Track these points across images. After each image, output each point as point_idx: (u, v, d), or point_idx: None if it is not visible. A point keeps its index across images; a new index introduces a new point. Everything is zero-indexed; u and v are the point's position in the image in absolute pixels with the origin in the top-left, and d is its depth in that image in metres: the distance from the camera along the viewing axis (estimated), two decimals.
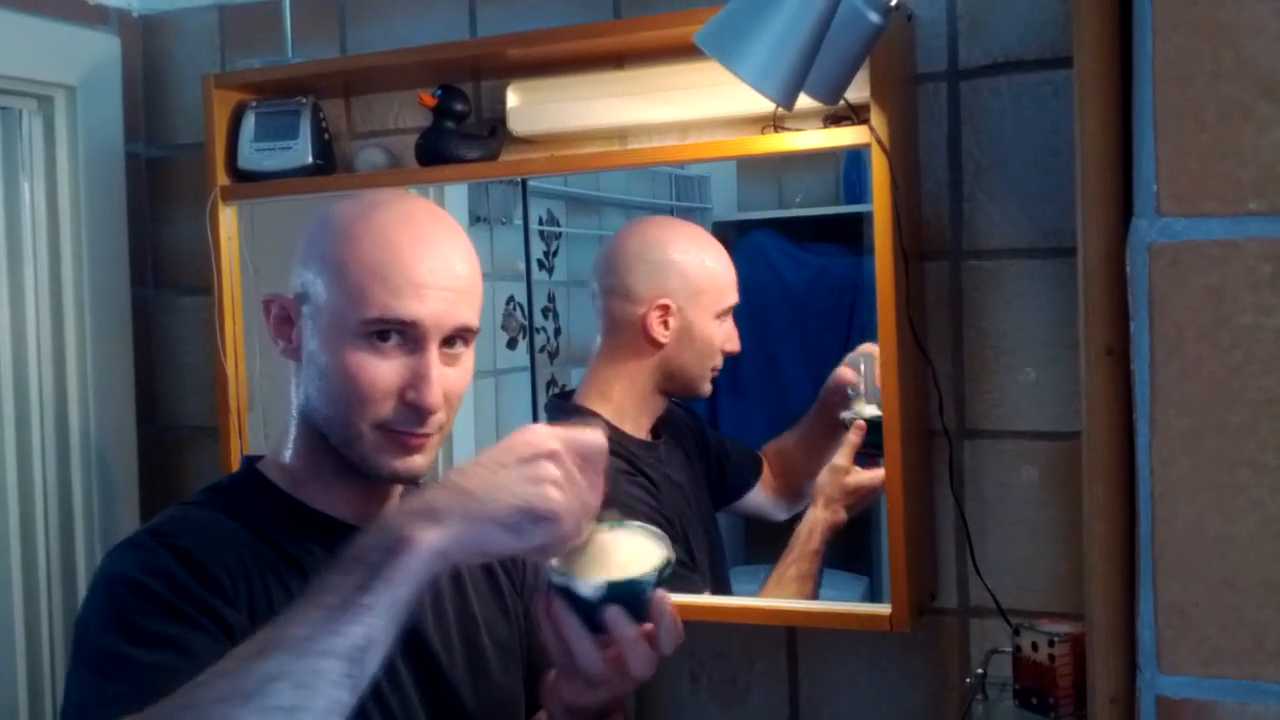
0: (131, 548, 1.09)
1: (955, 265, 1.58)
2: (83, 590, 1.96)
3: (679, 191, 1.86)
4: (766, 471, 1.77)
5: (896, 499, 1.47)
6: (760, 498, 1.77)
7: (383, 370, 1.11)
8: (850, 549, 1.75)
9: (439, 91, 1.73)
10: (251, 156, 1.83)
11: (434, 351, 1.12)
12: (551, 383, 1.90)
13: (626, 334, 1.70)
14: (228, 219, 1.85)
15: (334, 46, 1.94)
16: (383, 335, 1.11)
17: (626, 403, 1.71)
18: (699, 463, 1.78)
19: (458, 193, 1.85)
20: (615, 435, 1.63)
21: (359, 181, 1.80)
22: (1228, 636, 0.61)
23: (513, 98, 1.74)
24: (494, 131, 1.75)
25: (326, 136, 1.84)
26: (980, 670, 1.49)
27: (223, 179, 1.84)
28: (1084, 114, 0.66)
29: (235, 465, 1.84)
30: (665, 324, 1.68)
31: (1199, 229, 0.61)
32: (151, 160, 2.10)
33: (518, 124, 1.74)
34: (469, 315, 1.15)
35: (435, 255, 1.13)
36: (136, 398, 2.05)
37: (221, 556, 1.08)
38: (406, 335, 1.11)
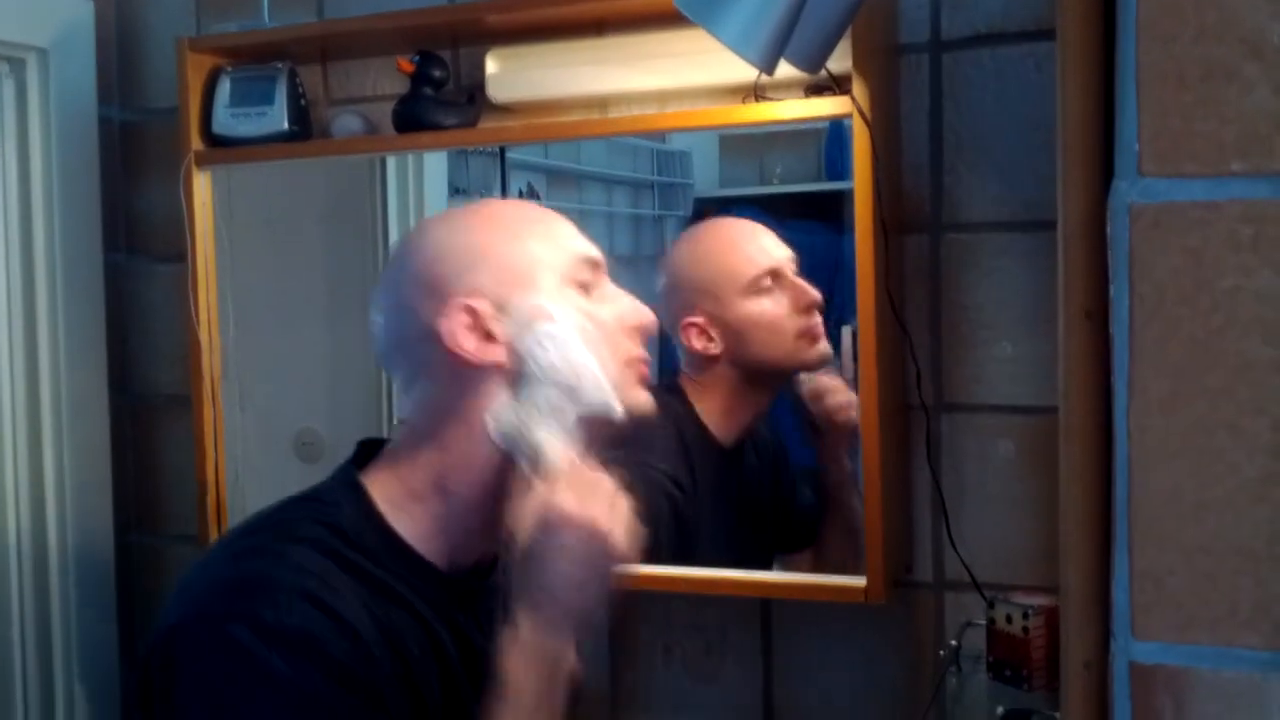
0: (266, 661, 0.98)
1: (935, 238, 1.57)
2: (54, 558, 1.94)
3: (660, 167, 1.85)
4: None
5: (873, 472, 1.47)
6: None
7: (602, 309, 1.13)
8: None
9: (417, 58, 1.71)
10: (226, 122, 1.81)
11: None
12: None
13: (689, 356, 1.67)
14: (202, 185, 1.83)
15: (311, 11, 1.92)
16: (581, 284, 1.13)
17: (720, 406, 1.67)
18: (765, 490, 1.76)
19: (437, 163, 1.83)
20: (693, 431, 1.65)
21: (335, 147, 1.78)
22: (1202, 603, 0.60)
23: (492, 64, 1.72)
24: (472, 99, 1.74)
25: (303, 102, 1.82)
26: (954, 643, 1.49)
27: (197, 144, 1.82)
28: (1066, 74, 0.65)
29: (209, 436, 1.83)
30: (705, 337, 1.64)
31: (1180, 190, 0.60)
32: (125, 124, 2.07)
33: (497, 91, 1.73)
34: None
35: (561, 219, 1.18)
36: (108, 366, 2.03)
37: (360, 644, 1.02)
38: (595, 277, 1.15)
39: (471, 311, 1.09)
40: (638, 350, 1.15)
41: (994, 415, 1.56)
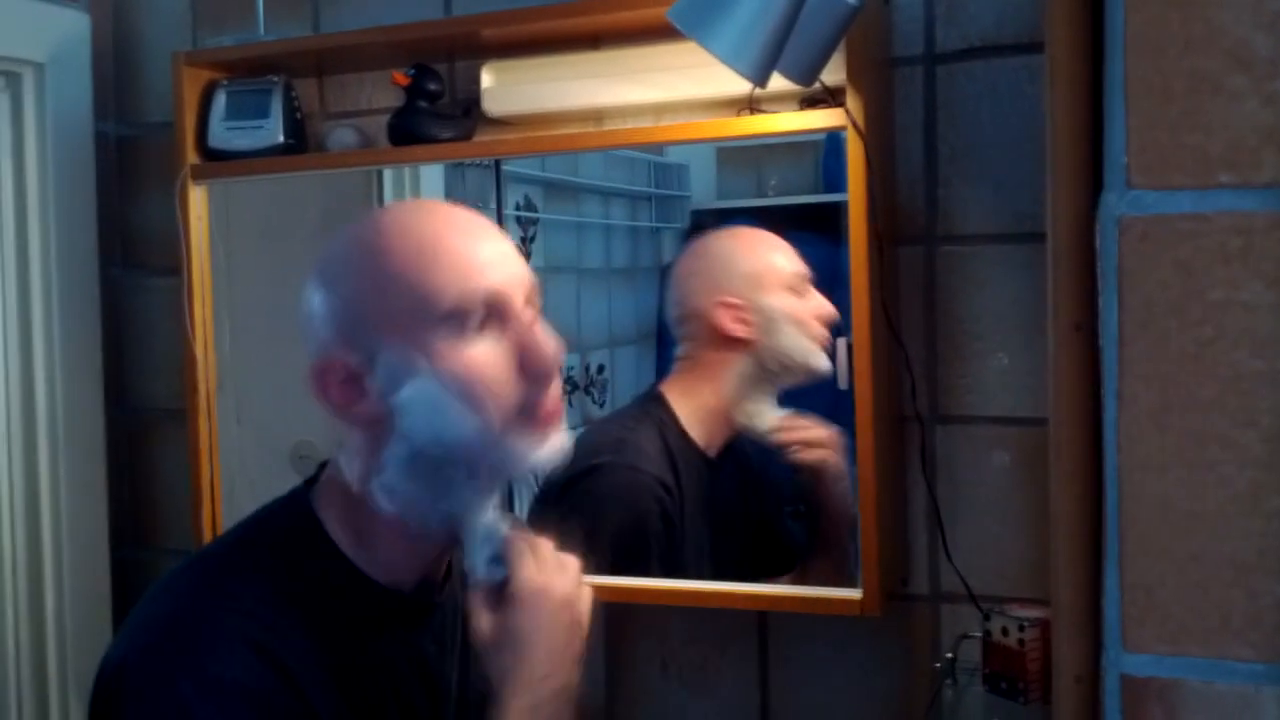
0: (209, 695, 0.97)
1: (930, 250, 1.57)
2: (49, 572, 1.94)
3: (658, 179, 1.85)
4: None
5: (868, 484, 1.47)
6: None
7: (491, 353, 1.01)
8: None
9: (412, 71, 1.71)
10: (222, 135, 1.81)
11: (524, 314, 1.04)
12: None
13: (696, 341, 1.69)
14: (198, 198, 1.83)
15: (307, 25, 1.92)
16: (466, 324, 1.00)
17: (705, 409, 1.68)
18: (746, 502, 1.76)
19: (433, 176, 1.83)
20: (677, 439, 1.66)
21: (330, 161, 1.78)
22: (1193, 615, 0.60)
23: (487, 78, 1.73)
24: (468, 112, 1.74)
25: (298, 116, 1.82)
26: (950, 655, 1.48)
27: (193, 158, 1.82)
28: (1055, 87, 0.66)
29: (203, 450, 1.83)
30: (738, 318, 1.65)
31: (1169, 202, 0.60)
32: (121, 139, 2.07)
33: (492, 104, 1.73)
34: (532, 275, 1.07)
35: (475, 232, 1.06)
36: (105, 380, 2.03)
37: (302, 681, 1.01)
38: (491, 313, 1.02)
39: (336, 368, 1.03)
40: (539, 394, 1.04)
41: (989, 426, 1.56)
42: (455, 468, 1.03)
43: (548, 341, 1.04)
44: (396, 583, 1.09)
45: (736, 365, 1.66)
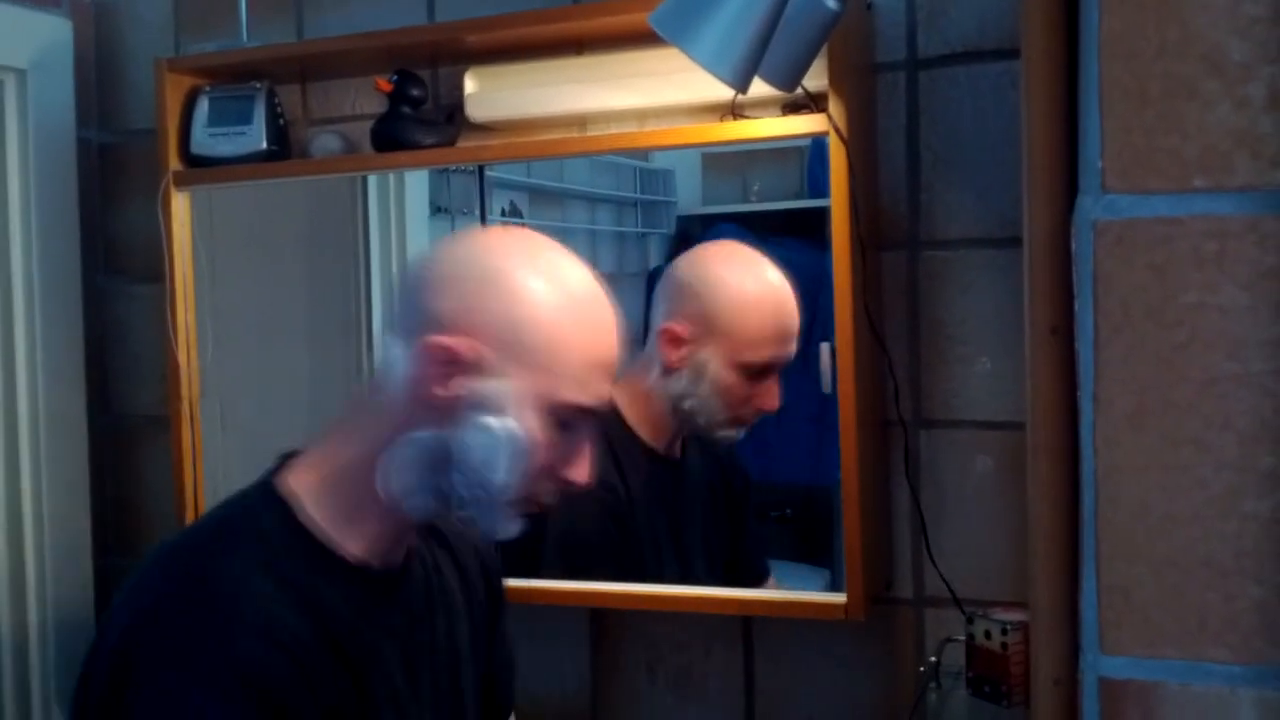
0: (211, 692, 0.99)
1: (912, 255, 1.58)
2: (32, 580, 1.93)
3: (643, 185, 1.85)
4: None
5: (852, 488, 1.47)
6: None
7: (550, 449, 1.09)
8: (812, 543, 1.75)
9: (395, 77, 1.71)
10: (205, 142, 1.81)
11: (593, 431, 1.13)
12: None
13: (648, 347, 1.66)
14: (180, 205, 1.83)
15: (290, 31, 1.92)
16: (563, 414, 1.08)
17: (647, 411, 1.66)
18: (715, 496, 1.75)
19: (418, 182, 1.83)
20: (621, 437, 1.64)
21: (313, 167, 1.78)
22: (1170, 617, 0.61)
23: (471, 84, 1.73)
24: (451, 117, 1.74)
25: (282, 122, 1.82)
26: (934, 659, 1.49)
27: (175, 164, 1.82)
28: (1030, 91, 0.66)
29: (187, 456, 1.82)
30: (676, 348, 1.61)
31: (1144, 206, 0.60)
32: (104, 145, 2.07)
33: (476, 110, 1.73)
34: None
35: (617, 335, 1.13)
36: (87, 387, 2.02)
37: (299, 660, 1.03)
38: (581, 416, 1.10)
39: (452, 354, 1.06)
40: (547, 496, 1.12)
41: (972, 431, 1.56)
42: (454, 487, 1.08)
43: (589, 469, 1.12)
44: (366, 559, 1.11)
45: (664, 387, 1.63)
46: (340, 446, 1.12)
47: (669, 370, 1.62)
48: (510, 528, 1.11)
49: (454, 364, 1.06)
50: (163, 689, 0.99)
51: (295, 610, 1.05)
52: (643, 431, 1.67)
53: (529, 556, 1.64)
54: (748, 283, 1.62)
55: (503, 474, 1.06)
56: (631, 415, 1.67)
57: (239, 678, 0.99)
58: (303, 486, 1.11)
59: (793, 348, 1.59)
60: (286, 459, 1.15)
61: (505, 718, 1.37)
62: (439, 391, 1.06)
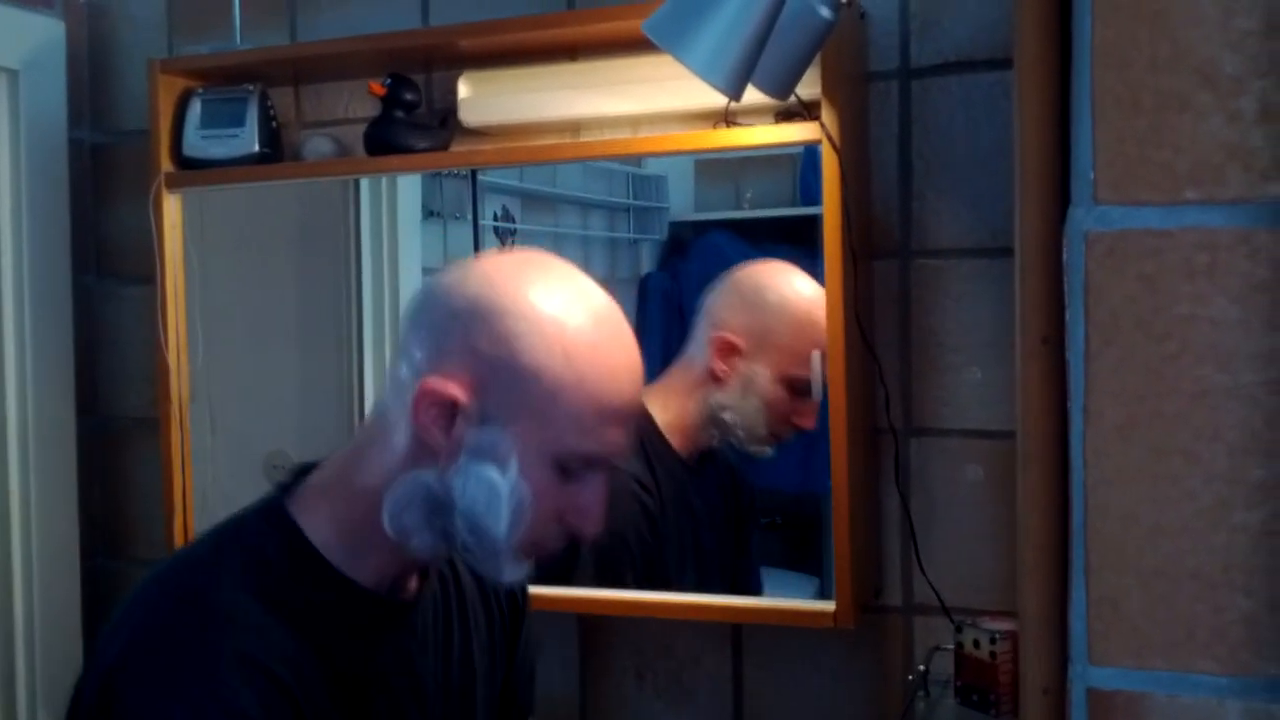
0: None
1: (904, 264, 1.58)
2: (19, 583, 1.92)
3: (636, 190, 1.85)
4: None
5: (842, 496, 1.47)
6: None
7: (554, 497, 1.05)
8: (802, 550, 1.75)
9: (388, 80, 1.71)
10: (197, 144, 1.80)
11: (602, 476, 1.07)
12: None
13: (695, 356, 1.67)
14: (172, 207, 1.83)
15: (283, 34, 1.92)
16: (570, 463, 1.04)
17: (681, 419, 1.67)
18: (727, 508, 1.76)
19: (411, 186, 1.83)
20: (655, 442, 1.65)
21: (305, 170, 1.78)
22: (1159, 628, 0.61)
23: (464, 89, 1.73)
24: (444, 122, 1.74)
25: (274, 124, 1.82)
26: (923, 667, 1.49)
27: (167, 166, 1.82)
28: (1023, 101, 0.66)
29: (176, 459, 1.82)
30: (727, 361, 1.64)
31: (1135, 217, 0.60)
32: (96, 146, 2.06)
33: (469, 115, 1.73)
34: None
35: (637, 380, 1.08)
36: (77, 388, 2.02)
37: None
38: (589, 464, 1.05)
39: (452, 404, 1.03)
40: (554, 542, 1.08)
41: (963, 440, 1.56)
42: (456, 530, 1.05)
43: (598, 521, 1.07)
44: (378, 585, 1.09)
45: (702, 393, 1.65)
46: (349, 475, 1.09)
47: (715, 379, 1.64)
48: (516, 572, 1.08)
49: (452, 409, 1.02)
50: (151, 717, 0.97)
51: (294, 638, 1.02)
52: (674, 438, 1.68)
53: (564, 556, 1.63)
54: (804, 301, 1.63)
55: (505, 525, 1.03)
56: (664, 420, 1.67)
57: (224, 713, 0.97)
58: (312, 511, 1.09)
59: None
60: (298, 476, 1.13)
61: (525, 718, 1.36)
62: (437, 437, 1.03)
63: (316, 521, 1.08)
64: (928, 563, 1.55)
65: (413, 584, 1.15)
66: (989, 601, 1.52)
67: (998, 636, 1.35)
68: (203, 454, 1.87)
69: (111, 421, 2.07)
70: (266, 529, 1.08)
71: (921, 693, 1.47)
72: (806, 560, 1.73)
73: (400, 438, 1.06)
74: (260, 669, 0.99)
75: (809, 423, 1.60)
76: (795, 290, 1.65)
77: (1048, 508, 0.65)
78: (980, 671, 1.36)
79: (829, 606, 1.50)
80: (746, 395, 1.63)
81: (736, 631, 1.70)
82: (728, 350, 1.63)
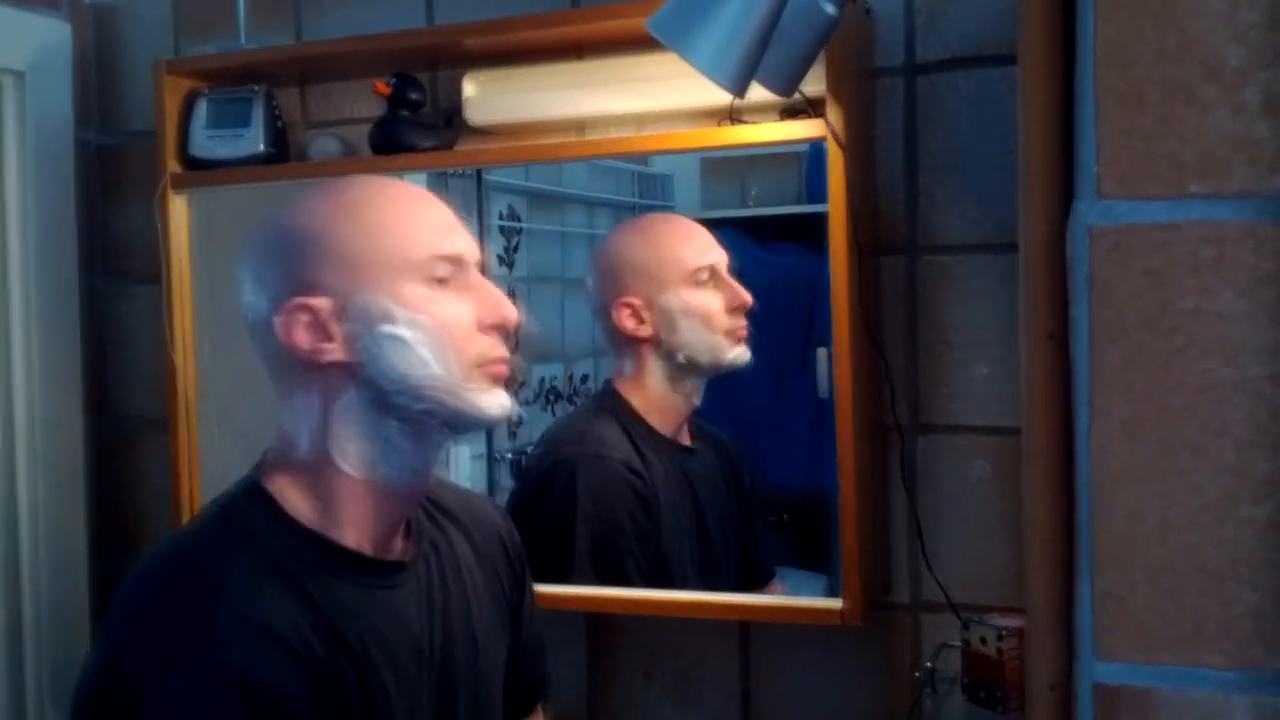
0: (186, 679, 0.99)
1: (911, 260, 1.58)
2: (28, 582, 1.93)
3: (642, 189, 1.85)
4: None
5: (849, 493, 1.47)
6: None
7: (455, 308, 1.09)
8: (809, 548, 1.75)
9: (394, 80, 1.71)
10: (203, 144, 1.80)
11: (479, 276, 1.13)
12: (510, 380, 1.89)
13: (617, 342, 1.69)
14: (178, 207, 1.83)
15: (289, 34, 1.92)
16: (437, 280, 1.08)
17: (650, 397, 1.69)
18: (729, 489, 1.77)
19: (416, 185, 1.83)
20: (639, 427, 1.66)
21: (312, 170, 1.78)
22: (1166, 623, 0.61)
23: (469, 88, 1.73)
24: (450, 121, 1.74)
25: (280, 125, 1.82)
26: (930, 664, 1.48)
27: (174, 166, 1.82)
28: (1027, 96, 0.66)
29: (185, 460, 1.82)
30: (637, 317, 1.66)
31: (1141, 212, 0.60)
32: (102, 147, 2.07)
33: (474, 114, 1.73)
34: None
35: (436, 203, 1.15)
36: (85, 389, 2.02)
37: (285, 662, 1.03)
38: (455, 271, 1.10)
39: (308, 309, 1.07)
40: (495, 350, 1.11)
41: (970, 436, 1.56)
42: (413, 417, 1.08)
43: (506, 302, 1.12)
44: (361, 544, 1.11)
45: (651, 360, 1.67)
46: (293, 441, 1.12)
47: (643, 341, 1.66)
48: (492, 401, 1.10)
49: (314, 316, 1.07)
50: (153, 692, 0.98)
51: (292, 603, 1.05)
52: (653, 419, 1.68)
53: (562, 540, 1.64)
54: (641, 225, 1.74)
55: (433, 362, 1.06)
56: (639, 405, 1.68)
57: (229, 681, 0.98)
58: (283, 484, 1.12)
59: (717, 251, 1.66)
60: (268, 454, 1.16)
61: (539, 698, 1.36)
62: (325, 348, 1.07)
63: (289, 493, 1.11)
64: (935, 559, 1.54)
65: (398, 544, 1.16)
66: (996, 598, 1.51)
67: (1005, 633, 1.34)
68: (211, 452, 1.87)
69: (120, 421, 2.07)
70: (250, 505, 1.11)
71: (929, 690, 1.47)
72: (814, 558, 1.72)
73: (299, 382, 1.10)
74: (258, 627, 1.01)
75: (744, 297, 1.64)
76: (628, 227, 1.76)
77: (1054, 503, 0.65)
78: (987, 668, 1.36)
79: (837, 604, 1.50)
80: (676, 327, 1.65)
81: (744, 629, 1.69)
82: (632, 310, 1.66)
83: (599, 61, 1.67)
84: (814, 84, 1.42)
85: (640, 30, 1.23)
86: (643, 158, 1.79)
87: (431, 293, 1.08)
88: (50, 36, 1.97)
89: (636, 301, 1.66)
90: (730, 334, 1.65)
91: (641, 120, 1.68)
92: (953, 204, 1.56)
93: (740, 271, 1.68)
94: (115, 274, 2.07)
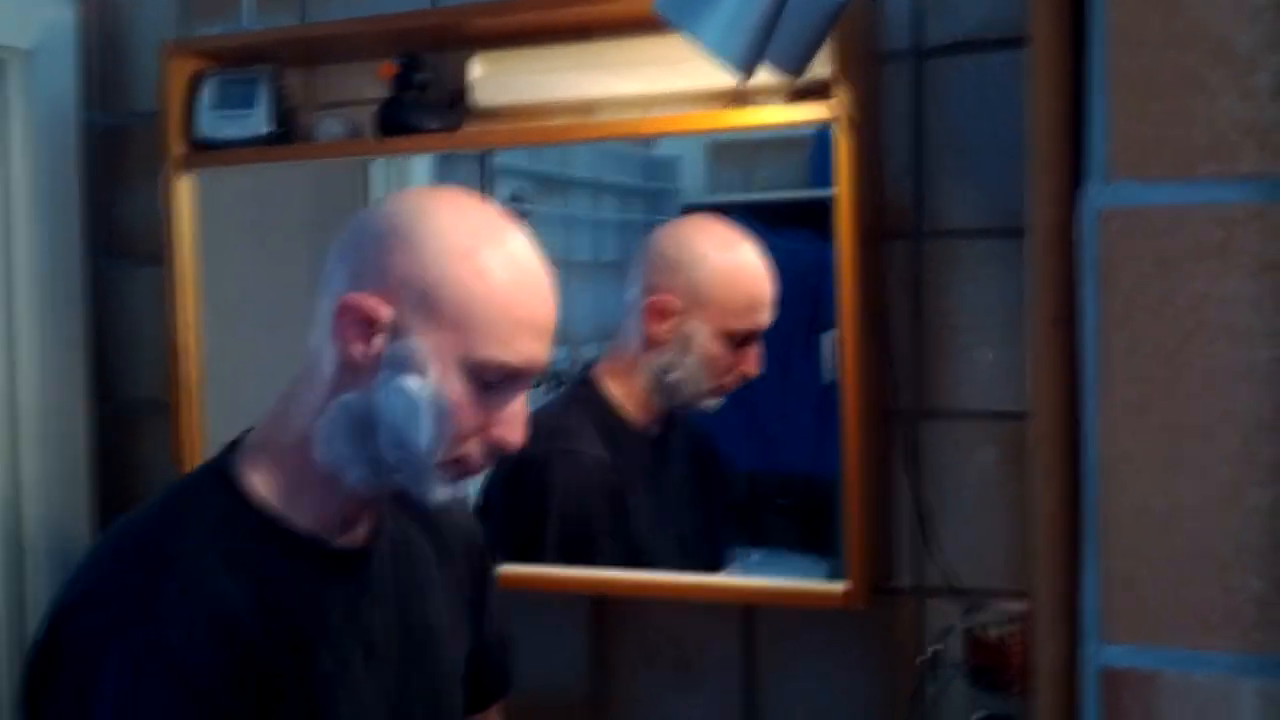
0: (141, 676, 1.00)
1: (916, 245, 1.57)
2: (32, 571, 1.93)
3: (648, 173, 1.85)
4: None
5: (853, 477, 1.47)
6: None
7: (478, 410, 1.07)
8: (813, 532, 1.75)
9: (400, 61, 1.71)
10: (209, 124, 1.80)
11: (522, 392, 1.11)
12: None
13: (632, 325, 1.68)
14: (184, 188, 1.83)
15: (295, 14, 1.91)
16: (484, 384, 1.07)
17: (631, 389, 1.69)
18: (703, 481, 1.77)
19: (422, 167, 1.83)
20: (611, 419, 1.66)
21: (317, 151, 1.78)
22: (1172, 607, 0.61)
23: (476, 69, 1.72)
24: (456, 103, 1.73)
25: (285, 105, 1.82)
26: (934, 649, 1.49)
27: (179, 148, 1.81)
28: (1036, 81, 0.65)
29: (188, 443, 1.82)
30: (662, 322, 1.64)
31: (1149, 194, 0.60)
32: (107, 128, 2.06)
33: (481, 96, 1.72)
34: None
35: (548, 297, 1.11)
36: (89, 371, 2.02)
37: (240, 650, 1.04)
38: (507, 378, 1.08)
39: (369, 311, 1.05)
40: (479, 459, 1.10)
41: (975, 421, 1.56)
42: (382, 450, 1.07)
43: (520, 431, 1.10)
44: (320, 531, 1.12)
45: (648, 360, 1.66)
46: (283, 422, 1.12)
47: (654, 344, 1.65)
48: (441, 492, 1.10)
49: (370, 323, 1.05)
50: (92, 656, 1.00)
51: (237, 582, 1.05)
52: (628, 410, 1.69)
53: (531, 538, 1.64)
54: (731, 254, 1.66)
55: (426, 437, 1.05)
56: (617, 393, 1.68)
57: (162, 662, 1.00)
58: (251, 463, 1.12)
59: (769, 316, 1.64)
60: (243, 435, 1.16)
61: (502, 695, 1.37)
62: (358, 352, 1.06)
63: (256, 477, 1.11)
64: (939, 544, 1.55)
65: (360, 533, 1.16)
66: (1000, 583, 1.52)
67: (1009, 618, 1.35)
68: (215, 436, 1.87)
69: (124, 404, 2.08)
70: (207, 487, 1.12)
71: (933, 674, 1.48)
72: (818, 542, 1.72)
73: (326, 366, 1.09)
74: (198, 606, 1.02)
75: (754, 368, 1.63)
76: (723, 244, 1.67)
77: (1060, 488, 0.65)
78: (991, 653, 1.36)
79: (840, 588, 1.50)
80: (687, 354, 1.64)
81: (747, 613, 1.70)
82: (663, 313, 1.64)
83: (606, 43, 1.67)
84: (822, 67, 1.42)
85: (648, 12, 1.22)
86: (649, 142, 1.79)
87: (475, 383, 1.06)
88: (56, 16, 1.97)
89: (675, 307, 1.64)
90: (720, 389, 1.65)
91: (649, 103, 1.68)
92: (959, 189, 1.55)
93: None
94: (120, 255, 2.07)
